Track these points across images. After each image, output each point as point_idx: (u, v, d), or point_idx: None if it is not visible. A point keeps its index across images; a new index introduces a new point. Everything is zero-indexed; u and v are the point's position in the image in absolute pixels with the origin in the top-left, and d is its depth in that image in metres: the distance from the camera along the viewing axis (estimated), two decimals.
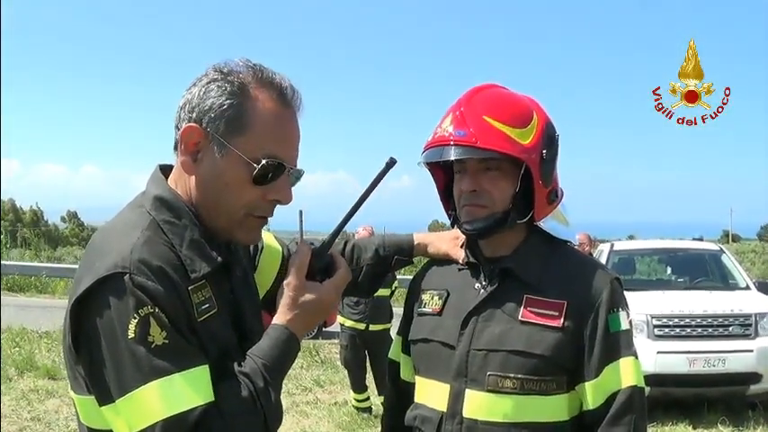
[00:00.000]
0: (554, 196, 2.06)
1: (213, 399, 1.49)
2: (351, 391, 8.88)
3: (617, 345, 1.93)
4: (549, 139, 2.02)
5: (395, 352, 2.32)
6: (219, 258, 1.63)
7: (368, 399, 8.70)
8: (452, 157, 1.95)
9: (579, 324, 1.93)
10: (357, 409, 8.66)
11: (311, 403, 9.18)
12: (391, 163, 1.84)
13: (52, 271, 21.88)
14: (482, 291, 2.04)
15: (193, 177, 1.63)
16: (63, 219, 48.57)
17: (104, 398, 1.50)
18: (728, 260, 10.72)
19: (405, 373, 2.27)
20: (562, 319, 1.93)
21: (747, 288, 9.93)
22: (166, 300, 1.48)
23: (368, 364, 8.62)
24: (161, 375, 1.44)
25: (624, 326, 1.96)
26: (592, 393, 1.91)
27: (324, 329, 14.93)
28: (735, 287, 10.11)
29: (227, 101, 1.59)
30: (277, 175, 1.63)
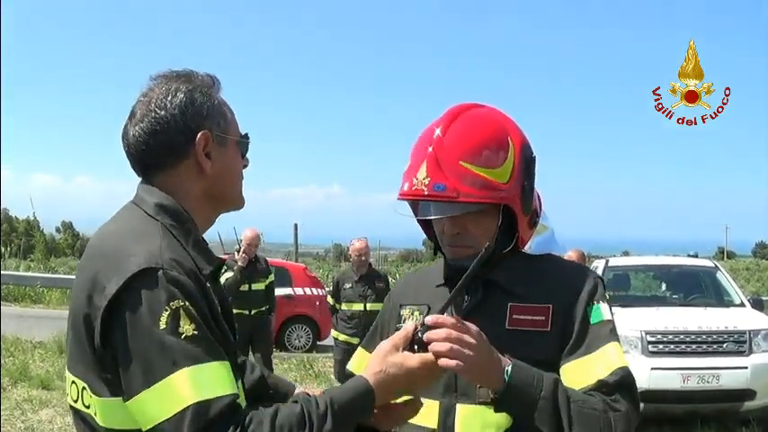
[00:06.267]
0: (535, 218, 2.06)
1: (237, 392, 1.53)
2: None
3: (601, 334, 1.90)
4: (526, 166, 1.99)
5: (356, 365, 2.21)
6: (218, 257, 1.76)
7: None
8: (433, 216, 1.93)
9: (565, 324, 1.91)
10: None
11: None
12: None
13: (46, 281, 21.85)
14: (465, 303, 2.00)
15: (205, 177, 1.76)
16: (58, 229, 48.45)
17: (131, 391, 1.52)
18: (723, 277, 10.73)
19: None
20: (550, 323, 1.91)
21: (742, 305, 9.95)
22: (196, 296, 1.57)
23: None
24: (192, 363, 1.49)
25: (606, 316, 1.93)
26: (577, 378, 1.85)
27: (318, 343, 14.94)
28: (729, 304, 10.11)
29: (214, 100, 1.79)
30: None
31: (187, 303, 1.54)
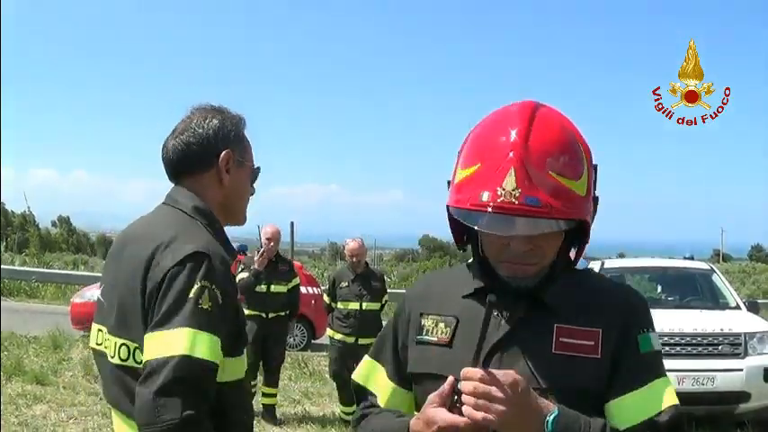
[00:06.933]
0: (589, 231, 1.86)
1: (218, 363, 1.92)
2: (339, 404, 8.89)
3: (651, 365, 1.78)
4: (595, 176, 1.83)
5: (364, 375, 2.04)
6: (236, 252, 2.25)
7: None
8: (530, 232, 1.71)
9: (614, 352, 1.75)
10: (345, 421, 8.64)
11: (299, 415, 9.17)
12: None
13: (42, 276, 21.82)
14: (503, 321, 1.79)
15: (223, 188, 2.20)
16: (54, 223, 48.34)
17: (149, 328, 1.94)
18: (719, 279, 10.77)
19: (404, 410, 1.93)
20: (600, 348, 1.74)
21: (737, 307, 9.98)
22: (226, 285, 2.02)
23: None
24: (197, 327, 1.90)
25: (656, 346, 1.80)
26: (625, 415, 1.72)
27: (313, 342, 14.92)
28: (725, 306, 10.15)
29: (239, 131, 2.26)
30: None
31: (214, 287, 1.96)
